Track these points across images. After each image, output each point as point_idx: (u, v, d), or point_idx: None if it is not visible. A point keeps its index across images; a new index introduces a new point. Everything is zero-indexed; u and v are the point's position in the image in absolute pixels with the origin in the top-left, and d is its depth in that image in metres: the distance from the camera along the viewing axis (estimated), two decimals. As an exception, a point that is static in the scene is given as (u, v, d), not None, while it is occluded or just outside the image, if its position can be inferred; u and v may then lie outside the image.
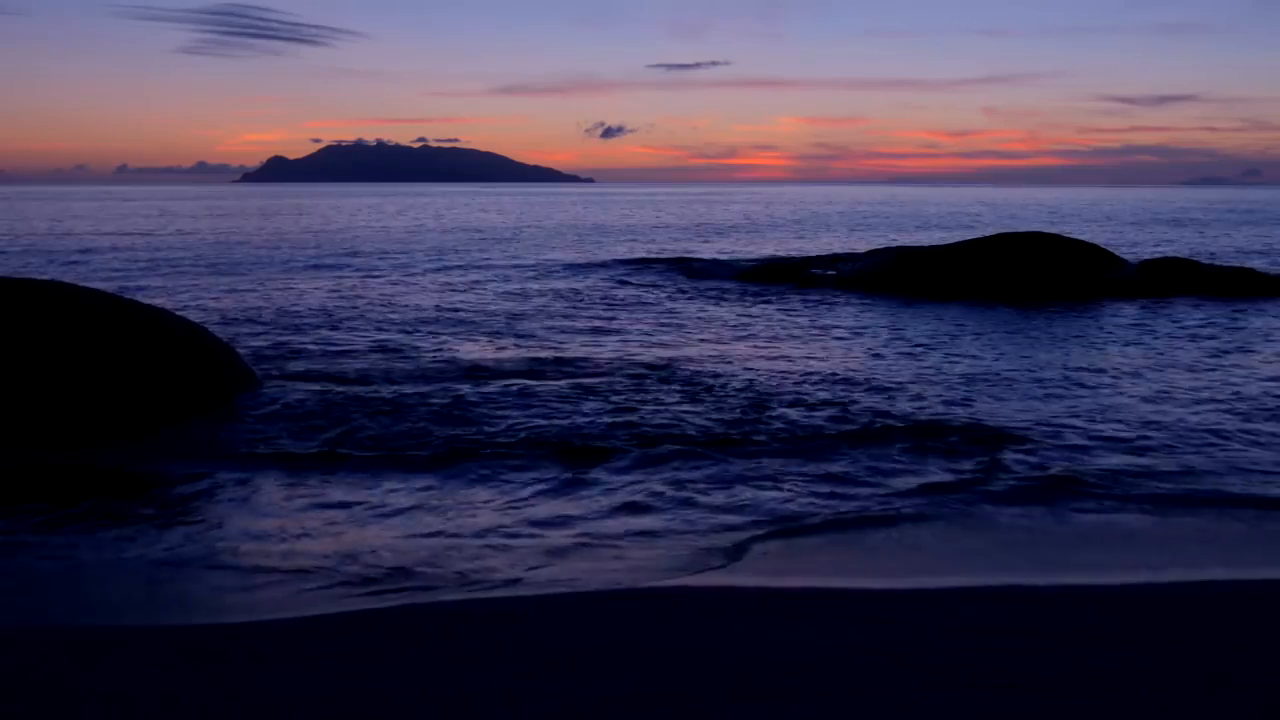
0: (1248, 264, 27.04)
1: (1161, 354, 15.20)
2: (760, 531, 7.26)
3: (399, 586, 6.21)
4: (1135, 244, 39.91)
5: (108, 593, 6.22)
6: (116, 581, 6.39)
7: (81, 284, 12.61)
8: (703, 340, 16.24)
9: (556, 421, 10.38)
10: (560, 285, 24.70)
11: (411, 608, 5.83)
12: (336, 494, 8.19)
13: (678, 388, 12.14)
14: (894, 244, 35.19)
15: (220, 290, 23.17)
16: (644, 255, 33.49)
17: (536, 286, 24.44)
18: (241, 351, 13.02)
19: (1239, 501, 8.12)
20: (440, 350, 15.12)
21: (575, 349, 15.33)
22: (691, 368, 13.50)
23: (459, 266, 30.62)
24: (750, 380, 12.60)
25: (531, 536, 7.17)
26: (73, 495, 8.00)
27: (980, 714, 4.36)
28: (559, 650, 5.11)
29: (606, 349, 15.34)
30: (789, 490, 8.21)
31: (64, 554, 6.79)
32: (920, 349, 15.17)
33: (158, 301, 17.63)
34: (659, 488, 8.25)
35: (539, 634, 5.36)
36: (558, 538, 7.14)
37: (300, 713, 4.42)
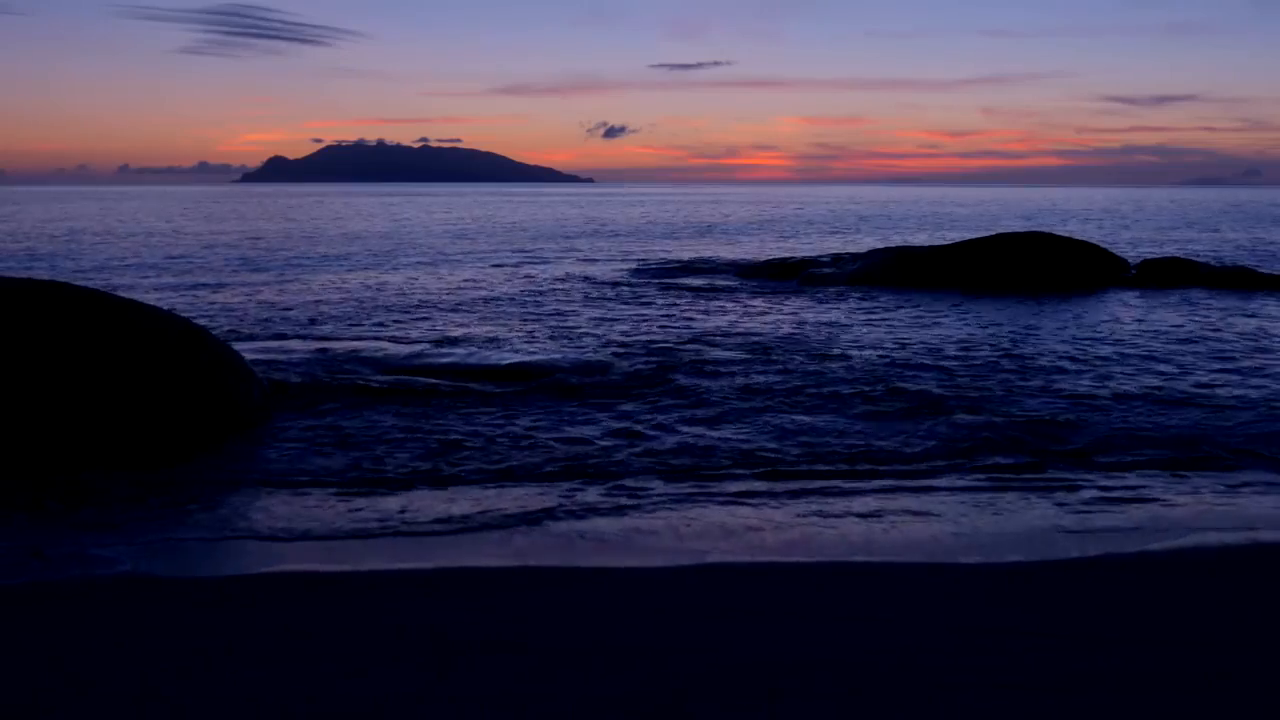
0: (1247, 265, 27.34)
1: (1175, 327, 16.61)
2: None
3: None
4: (1135, 244, 40.02)
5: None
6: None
7: (86, 287, 12.24)
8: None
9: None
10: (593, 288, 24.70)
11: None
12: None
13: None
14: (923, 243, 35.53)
15: (227, 292, 23.15)
16: (664, 257, 33.35)
17: (546, 277, 24.46)
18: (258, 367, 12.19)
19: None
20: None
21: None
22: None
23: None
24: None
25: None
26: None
27: (980, 714, 4.35)
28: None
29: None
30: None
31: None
32: (915, 337, 15.26)
33: (161, 304, 17.59)
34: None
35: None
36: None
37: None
